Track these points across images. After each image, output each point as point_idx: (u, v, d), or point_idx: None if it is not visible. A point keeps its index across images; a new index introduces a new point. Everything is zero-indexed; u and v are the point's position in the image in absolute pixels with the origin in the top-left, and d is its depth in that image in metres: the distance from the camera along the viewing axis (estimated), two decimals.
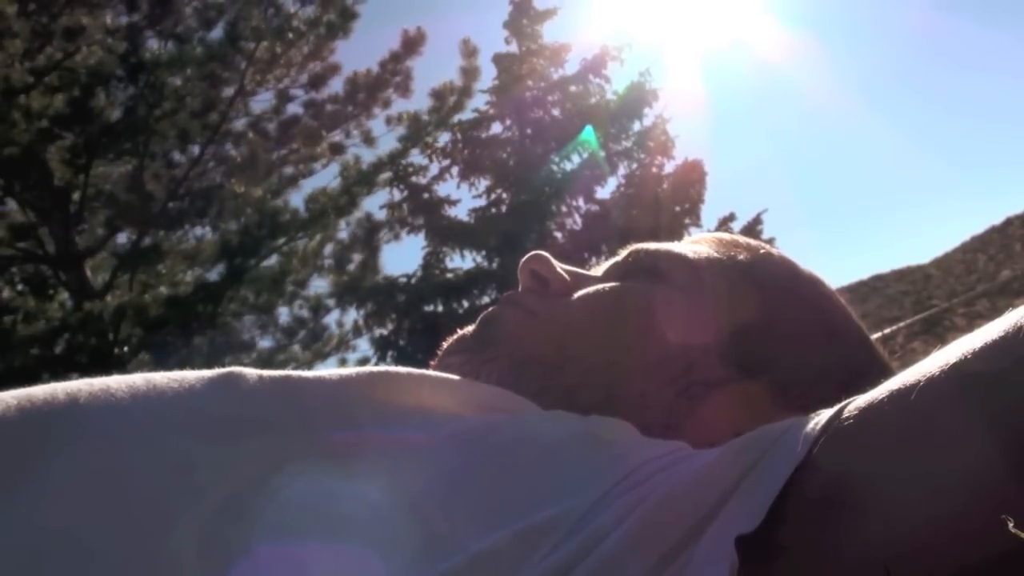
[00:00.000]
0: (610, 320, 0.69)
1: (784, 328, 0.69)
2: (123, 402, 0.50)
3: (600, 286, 0.72)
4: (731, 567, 0.42)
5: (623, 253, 0.77)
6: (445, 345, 0.74)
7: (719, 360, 0.67)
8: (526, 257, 0.77)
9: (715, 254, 0.74)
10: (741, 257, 0.74)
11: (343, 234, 10.97)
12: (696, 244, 0.76)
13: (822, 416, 0.49)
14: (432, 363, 0.72)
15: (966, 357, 0.45)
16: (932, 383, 0.46)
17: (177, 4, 9.45)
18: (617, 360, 0.67)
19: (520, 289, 0.76)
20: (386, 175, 10.84)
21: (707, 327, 0.68)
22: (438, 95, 10.33)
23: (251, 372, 0.54)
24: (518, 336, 0.70)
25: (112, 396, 0.50)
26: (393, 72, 10.70)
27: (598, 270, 0.78)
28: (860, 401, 0.50)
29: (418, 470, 0.49)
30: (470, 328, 0.74)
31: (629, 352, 0.67)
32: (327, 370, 0.58)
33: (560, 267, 0.75)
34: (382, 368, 0.58)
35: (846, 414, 0.48)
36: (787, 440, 0.48)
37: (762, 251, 0.76)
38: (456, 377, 0.61)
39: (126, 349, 8.46)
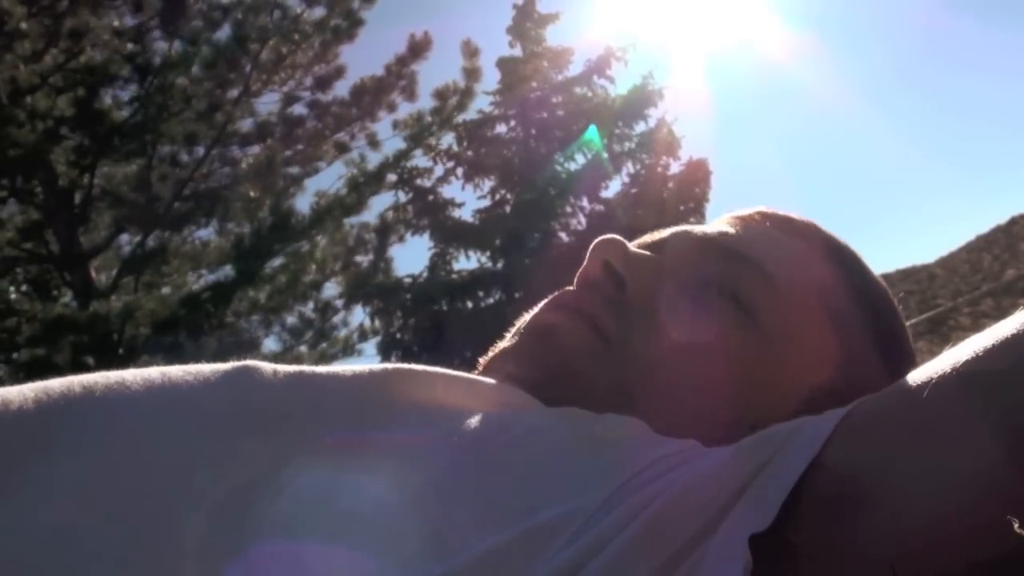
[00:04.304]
0: (693, 384, 0.59)
1: (857, 389, 0.57)
2: (138, 395, 0.50)
3: (692, 333, 0.60)
4: (745, 565, 0.42)
5: (707, 250, 0.65)
6: (485, 362, 0.66)
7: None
8: (599, 241, 0.64)
9: (806, 277, 0.64)
10: (831, 290, 0.64)
11: (351, 236, 10.96)
12: (784, 243, 0.66)
13: (833, 415, 0.49)
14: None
15: (975, 356, 0.46)
16: (941, 382, 0.46)
17: (183, 5, 9.45)
18: (685, 426, 0.57)
19: (584, 282, 0.64)
20: (392, 175, 10.85)
21: (786, 390, 0.60)
22: (440, 95, 10.32)
23: (266, 366, 0.54)
24: (582, 368, 0.59)
25: (127, 389, 0.50)
26: (399, 76, 10.69)
27: (673, 245, 0.66)
28: (871, 400, 0.50)
29: (424, 468, 0.49)
30: (514, 341, 0.64)
31: (700, 420, 0.58)
32: (342, 366, 0.57)
33: (637, 256, 0.64)
34: (396, 365, 0.57)
35: (857, 413, 0.49)
36: (799, 438, 0.48)
37: (857, 272, 0.67)
38: (471, 375, 0.59)
39: (132, 350, 8.46)
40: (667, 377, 0.59)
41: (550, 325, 0.62)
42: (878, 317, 0.65)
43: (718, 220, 0.70)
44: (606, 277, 0.63)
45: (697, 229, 0.68)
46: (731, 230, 0.67)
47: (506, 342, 0.65)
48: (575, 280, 0.65)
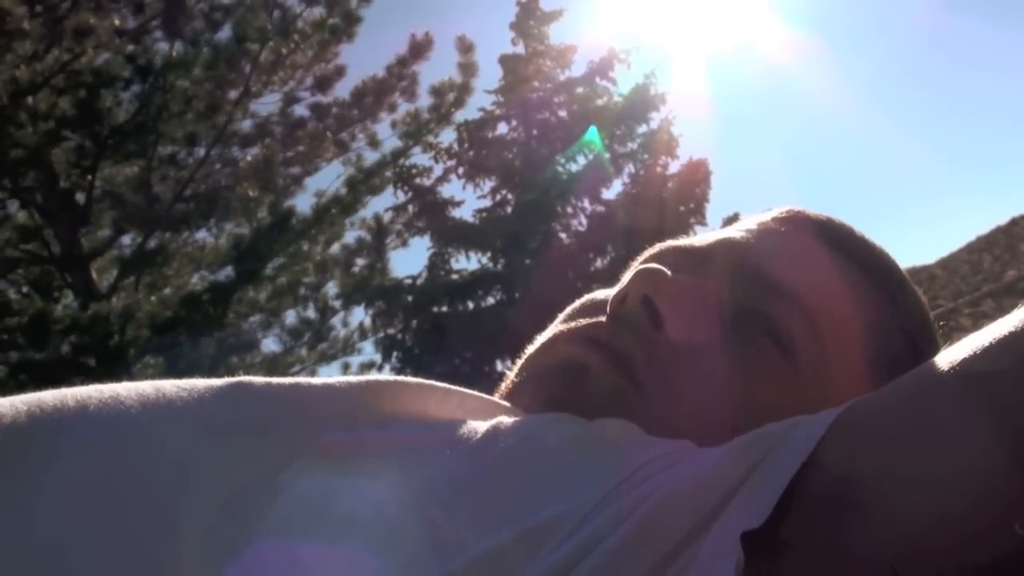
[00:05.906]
0: (724, 438, 0.53)
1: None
2: (132, 409, 0.50)
3: (729, 384, 0.58)
4: (737, 563, 0.42)
5: (753, 278, 0.61)
6: (502, 391, 0.64)
7: None
8: (640, 272, 0.61)
9: (853, 320, 0.62)
10: (875, 333, 0.63)
11: (350, 236, 10.98)
12: (834, 274, 0.63)
13: (828, 414, 0.49)
14: None
15: (972, 356, 0.45)
16: (940, 382, 0.46)
17: (183, 5, 9.46)
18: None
19: (620, 316, 0.61)
20: (390, 173, 10.85)
21: None
22: (437, 92, 10.33)
23: (260, 380, 0.54)
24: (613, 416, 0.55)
25: (122, 404, 0.50)
26: (400, 77, 10.70)
27: (718, 264, 0.63)
28: (867, 400, 0.50)
29: (421, 471, 0.49)
30: (536, 372, 0.62)
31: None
32: (336, 378, 0.57)
33: (677, 292, 0.60)
34: (391, 377, 0.57)
35: (852, 412, 0.48)
36: (793, 437, 0.48)
37: (908, 313, 0.65)
38: (465, 390, 0.59)
39: (132, 351, 8.47)
40: (700, 431, 0.56)
41: (580, 363, 0.60)
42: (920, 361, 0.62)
43: (764, 223, 0.67)
44: (644, 313, 0.60)
45: (745, 245, 0.65)
46: (780, 250, 0.64)
47: (524, 373, 0.63)
48: (609, 307, 0.62)
